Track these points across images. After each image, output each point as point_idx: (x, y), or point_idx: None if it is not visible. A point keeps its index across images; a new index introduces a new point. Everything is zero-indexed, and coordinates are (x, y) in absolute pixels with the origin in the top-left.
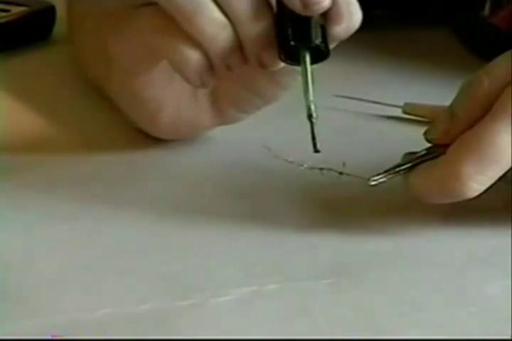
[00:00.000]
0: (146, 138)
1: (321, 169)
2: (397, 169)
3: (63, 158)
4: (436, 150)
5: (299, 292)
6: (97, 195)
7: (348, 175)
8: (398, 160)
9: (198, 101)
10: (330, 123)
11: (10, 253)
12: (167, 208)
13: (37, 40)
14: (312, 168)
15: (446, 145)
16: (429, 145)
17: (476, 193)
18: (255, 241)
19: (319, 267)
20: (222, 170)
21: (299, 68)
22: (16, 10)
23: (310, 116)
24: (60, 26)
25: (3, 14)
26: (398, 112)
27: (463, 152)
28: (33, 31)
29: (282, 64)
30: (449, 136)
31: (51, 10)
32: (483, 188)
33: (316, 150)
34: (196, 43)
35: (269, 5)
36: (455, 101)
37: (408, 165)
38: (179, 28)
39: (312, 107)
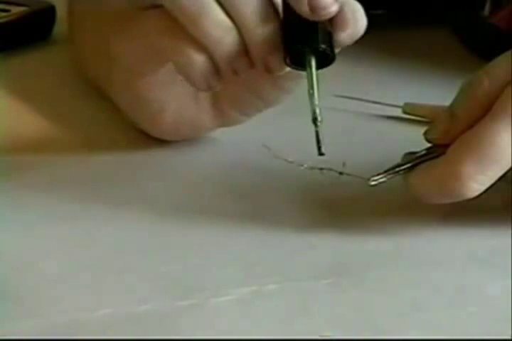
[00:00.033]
0: (147, 139)
1: (321, 169)
2: (397, 169)
3: (63, 158)
4: (436, 150)
5: (299, 292)
6: (97, 195)
7: (348, 175)
8: (398, 160)
9: (199, 103)
10: (330, 123)
11: (10, 253)
12: (167, 208)
13: (37, 40)
14: (312, 168)
15: (446, 145)
16: (429, 145)
17: (476, 193)
18: (255, 241)
19: (319, 267)
20: (222, 170)
21: (303, 73)
22: (15, 10)
23: (315, 120)
24: (60, 26)
25: (3, 14)
26: (398, 112)
27: (463, 152)
28: (33, 31)
29: (287, 69)
30: (449, 136)
31: (51, 10)
32: (483, 188)
33: (321, 154)
34: (202, 46)
35: (276, 9)
36: (455, 101)
37: (408, 165)
38: (185, 31)
39: (317, 111)
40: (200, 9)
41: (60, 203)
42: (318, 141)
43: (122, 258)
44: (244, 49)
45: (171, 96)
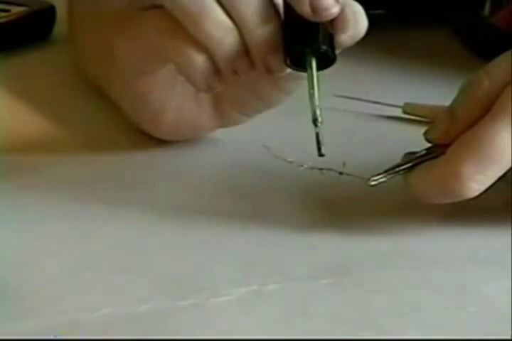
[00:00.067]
0: (147, 139)
1: (321, 169)
2: (397, 169)
3: (63, 158)
4: (436, 150)
5: (299, 292)
6: (97, 195)
7: (348, 175)
8: (398, 160)
9: (200, 103)
10: (330, 124)
11: (10, 253)
12: (167, 208)
13: (37, 40)
14: (312, 168)
15: (446, 145)
16: (429, 145)
17: (476, 193)
18: (255, 241)
19: (319, 267)
20: (222, 170)
21: (303, 74)
22: (15, 10)
23: (315, 121)
24: (60, 26)
25: (3, 14)
26: (398, 112)
27: (463, 152)
28: (33, 31)
29: (288, 70)
30: (449, 136)
31: (51, 10)
32: (483, 188)
33: (321, 155)
34: (202, 47)
35: (276, 10)
36: (455, 101)
37: (408, 165)
38: (186, 32)
39: (318, 112)
40: (200, 9)
41: (60, 203)
42: (318, 142)
43: (122, 258)
44: (244, 49)
45: (172, 96)
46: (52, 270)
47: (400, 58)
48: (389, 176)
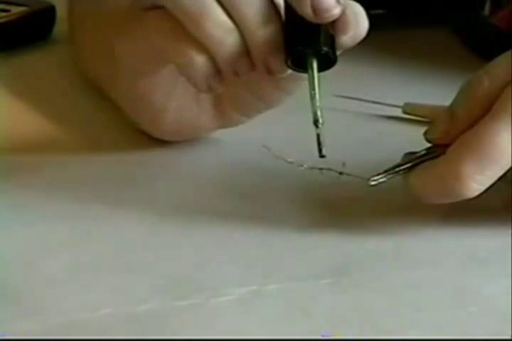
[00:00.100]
0: (147, 139)
1: (321, 169)
2: (397, 169)
3: (63, 158)
4: (436, 150)
5: (299, 292)
6: (97, 195)
7: (348, 175)
8: (398, 160)
9: (200, 104)
10: (330, 124)
11: (10, 253)
12: (167, 208)
13: (37, 40)
14: (312, 168)
15: (446, 145)
16: (429, 145)
17: (476, 193)
18: (255, 241)
19: (319, 267)
20: (222, 170)
21: (304, 75)
22: (15, 10)
23: (316, 122)
24: (60, 26)
25: (3, 14)
26: (398, 112)
27: (463, 152)
28: (33, 31)
29: (289, 70)
30: (449, 136)
31: (51, 10)
32: (482, 188)
33: (322, 156)
34: (203, 48)
35: (277, 10)
36: (455, 101)
37: (408, 165)
38: (186, 32)
39: (319, 113)
40: (201, 10)
41: (60, 203)
42: (319, 143)
43: (122, 258)
44: (245, 50)
45: (172, 96)
46: (52, 270)
47: (400, 58)
48: (389, 176)
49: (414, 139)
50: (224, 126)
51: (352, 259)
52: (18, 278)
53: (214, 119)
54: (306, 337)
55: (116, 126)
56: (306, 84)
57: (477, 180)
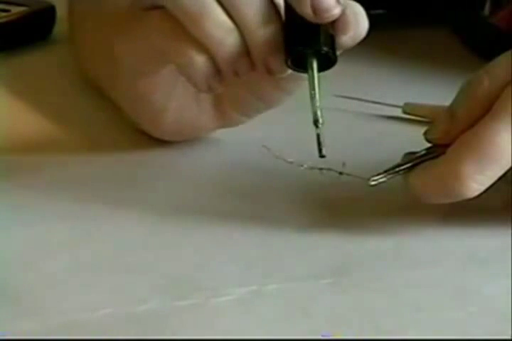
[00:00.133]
0: (147, 139)
1: (321, 169)
2: (397, 169)
3: (63, 158)
4: (436, 150)
5: (299, 292)
6: (97, 195)
7: (348, 175)
8: (398, 160)
9: (200, 104)
10: (330, 124)
11: (10, 253)
12: (167, 208)
13: (37, 40)
14: (312, 168)
15: (446, 145)
16: (429, 145)
17: (476, 193)
18: (255, 241)
19: (319, 267)
20: (222, 170)
21: (304, 75)
22: (15, 10)
23: (316, 122)
24: (60, 26)
25: (3, 14)
26: (398, 112)
27: (463, 151)
28: (33, 31)
29: (289, 71)
30: (449, 136)
31: (51, 10)
32: (482, 188)
33: (322, 156)
34: (203, 48)
35: (277, 10)
36: (455, 101)
37: (408, 165)
38: (186, 32)
39: (319, 113)
40: (201, 10)
41: (60, 203)
42: (319, 143)
43: (122, 257)
44: (245, 50)
45: (173, 96)
46: (52, 270)
47: (400, 58)
48: (389, 176)
49: (414, 139)
50: (224, 126)
51: (352, 259)
52: (18, 278)
53: (214, 119)
54: (306, 337)
55: (116, 126)
56: (306, 84)
57: (477, 180)
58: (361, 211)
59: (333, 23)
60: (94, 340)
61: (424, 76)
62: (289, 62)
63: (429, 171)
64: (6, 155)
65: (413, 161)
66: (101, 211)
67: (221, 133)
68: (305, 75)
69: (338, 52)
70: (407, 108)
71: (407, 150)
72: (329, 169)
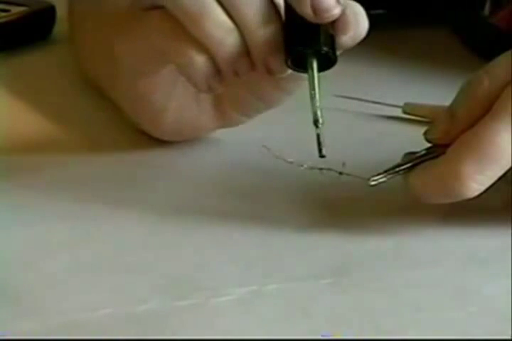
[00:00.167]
0: (147, 139)
1: (321, 169)
2: (397, 169)
3: (63, 158)
4: (436, 150)
5: (299, 292)
6: (97, 195)
7: (348, 175)
8: (398, 160)
9: (200, 104)
10: (330, 124)
11: (10, 253)
12: (167, 208)
13: (37, 40)
14: (312, 168)
15: (446, 145)
16: (429, 145)
17: (476, 193)
18: (255, 241)
19: (319, 267)
20: (222, 170)
21: (304, 74)
22: (15, 10)
23: (316, 122)
24: (60, 26)
25: (3, 14)
26: (398, 112)
27: (463, 151)
28: (33, 31)
29: (289, 70)
30: (449, 136)
31: (51, 10)
32: (482, 188)
33: (322, 156)
34: (203, 48)
35: (277, 10)
36: (455, 101)
37: (408, 165)
38: (186, 32)
39: (319, 113)
40: (201, 10)
41: (60, 203)
42: (319, 143)
43: (122, 257)
44: (245, 50)
45: (173, 96)
46: (52, 270)
47: (400, 58)
48: (389, 176)
49: (414, 139)
50: (224, 126)
51: (352, 259)
52: (18, 278)
53: (214, 119)
54: (306, 337)
55: (116, 126)
56: (306, 84)
57: (477, 180)
58: (361, 211)
59: (333, 23)
60: (94, 340)
61: (424, 76)
62: (289, 62)
63: (429, 171)
64: (6, 155)
65: (413, 161)
66: (101, 211)
67: (221, 133)
68: (305, 75)
69: (338, 52)
70: (407, 108)
71: (407, 150)
72: (329, 169)
